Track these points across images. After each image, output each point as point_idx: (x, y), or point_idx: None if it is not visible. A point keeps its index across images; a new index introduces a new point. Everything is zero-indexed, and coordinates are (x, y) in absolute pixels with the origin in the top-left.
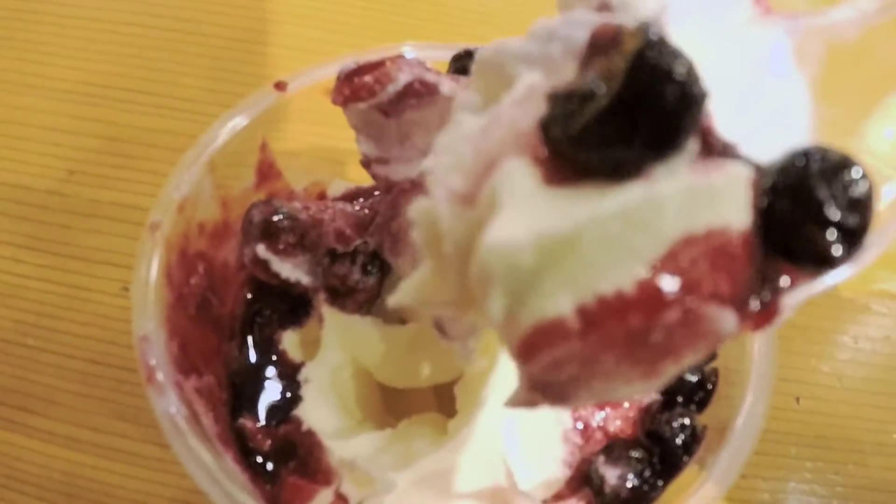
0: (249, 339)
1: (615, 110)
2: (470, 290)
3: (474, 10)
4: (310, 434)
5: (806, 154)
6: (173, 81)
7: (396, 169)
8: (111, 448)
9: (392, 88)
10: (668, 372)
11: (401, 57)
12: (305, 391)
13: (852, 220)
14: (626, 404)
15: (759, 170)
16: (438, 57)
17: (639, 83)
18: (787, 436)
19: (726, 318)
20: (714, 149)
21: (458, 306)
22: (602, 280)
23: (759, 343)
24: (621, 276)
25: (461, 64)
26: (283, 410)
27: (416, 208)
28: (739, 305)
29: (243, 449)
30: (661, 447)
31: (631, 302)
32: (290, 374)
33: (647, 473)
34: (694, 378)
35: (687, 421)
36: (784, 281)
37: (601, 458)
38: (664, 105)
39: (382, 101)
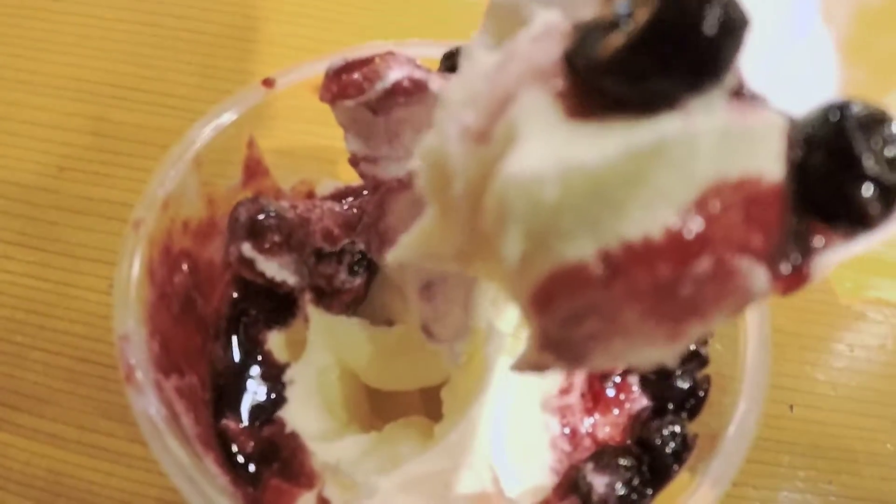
0: (234, 338)
1: (650, 37)
2: (478, 237)
3: (467, 8)
4: (293, 436)
5: (841, 107)
6: (165, 78)
7: (385, 168)
8: (97, 446)
9: (380, 86)
10: (692, 334)
11: (390, 54)
12: (290, 392)
13: (891, 177)
14: (616, 411)
15: (792, 121)
16: (429, 55)
17: (677, 7)
18: (780, 444)
19: (758, 275)
20: (746, 95)
21: (462, 259)
22: (630, 223)
23: (752, 350)
24: (650, 220)
25: (452, 62)
26: (268, 412)
27: (423, 148)
28: (771, 263)
29: (226, 450)
30: (650, 455)
31: (659, 249)
32: (275, 375)
33: (635, 482)
34: (685, 385)
35: (678, 429)
36: (817, 241)
37: (589, 466)
38: (705, 30)
39: (371, 99)
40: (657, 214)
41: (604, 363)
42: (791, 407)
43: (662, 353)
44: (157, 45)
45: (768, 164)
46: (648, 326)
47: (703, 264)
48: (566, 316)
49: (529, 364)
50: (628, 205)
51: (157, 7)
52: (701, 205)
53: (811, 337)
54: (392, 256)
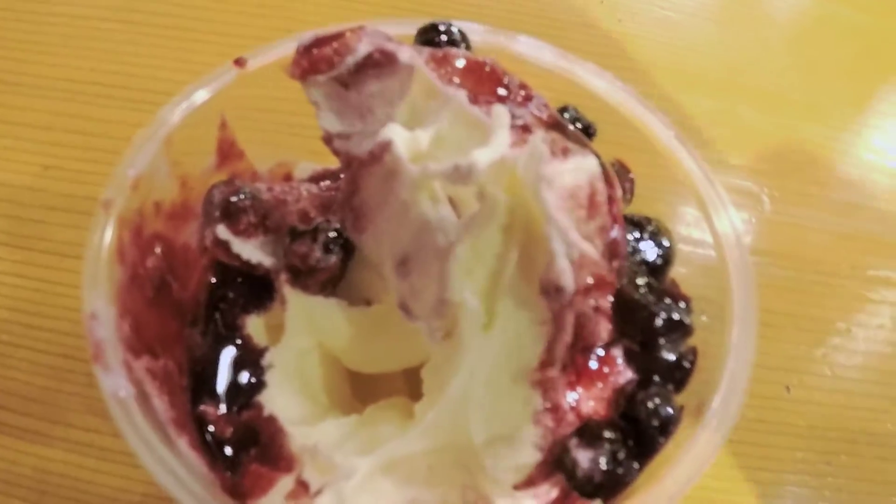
0: (212, 324)
1: None
2: None
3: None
4: (272, 420)
5: None
6: (149, 76)
7: (358, 144)
8: (83, 443)
9: (351, 59)
10: None
11: (361, 28)
12: (269, 377)
13: None
14: (600, 385)
15: None
16: (403, 32)
17: None
18: (777, 425)
19: None
20: None
21: None
22: None
23: (739, 321)
24: None
25: (427, 37)
26: (247, 396)
27: None
28: None
29: (204, 436)
30: (636, 429)
31: None
32: (253, 360)
33: (621, 455)
34: (671, 357)
35: (663, 401)
36: None
37: (574, 441)
38: None
39: (342, 73)
40: None
41: None
42: (788, 388)
43: None
44: (141, 42)
45: None
46: None
47: None
48: None
49: None
50: None
51: (140, 5)
52: None
53: (807, 318)
54: None
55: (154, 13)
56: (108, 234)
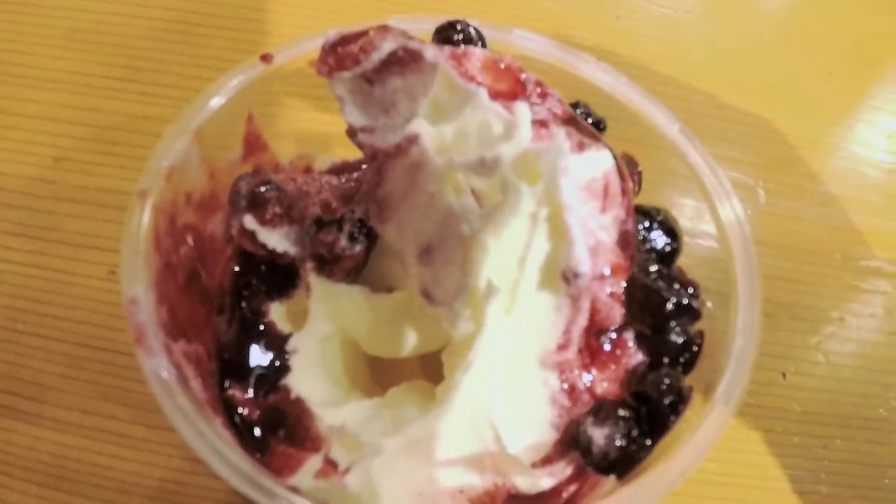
0: (237, 311)
1: None
2: None
3: None
4: (298, 401)
5: None
6: (157, 69)
7: (382, 136)
8: (99, 430)
9: (376, 56)
10: None
11: (384, 26)
12: (294, 362)
13: None
14: (613, 366)
15: None
16: (422, 29)
17: None
18: (773, 411)
19: None
20: None
21: None
22: None
23: (743, 308)
24: None
25: (445, 35)
26: (272, 381)
27: None
28: None
29: (232, 420)
30: (648, 408)
31: None
32: (278, 346)
33: (635, 433)
34: (679, 339)
35: (673, 381)
36: None
37: (589, 419)
38: None
39: (367, 70)
40: None
41: None
42: (784, 374)
43: None
44: (150, 36)
45: None
46: None
47: None
48: None
49: None
50: None
51: None
52: None
53: (802, 307)
54: None
55: (161, 7)
56: (146, 223)
